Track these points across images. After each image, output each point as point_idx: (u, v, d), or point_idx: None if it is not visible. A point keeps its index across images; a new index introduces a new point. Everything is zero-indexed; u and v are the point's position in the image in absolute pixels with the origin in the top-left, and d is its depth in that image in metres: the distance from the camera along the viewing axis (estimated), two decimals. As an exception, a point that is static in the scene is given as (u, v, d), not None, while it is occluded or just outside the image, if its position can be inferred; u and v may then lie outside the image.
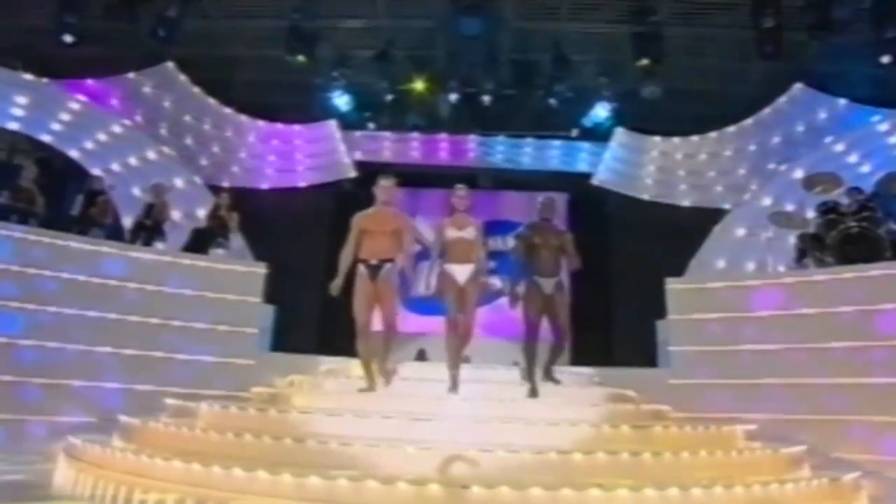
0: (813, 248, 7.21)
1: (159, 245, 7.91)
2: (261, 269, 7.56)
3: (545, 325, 5.34)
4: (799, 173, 9.13)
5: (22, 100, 8.79)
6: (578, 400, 5.26)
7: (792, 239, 8.01)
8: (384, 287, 4.76)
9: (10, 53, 9.73)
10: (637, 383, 5.95)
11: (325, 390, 5.29)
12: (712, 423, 4.98)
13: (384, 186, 5.01)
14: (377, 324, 4.88)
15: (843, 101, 10.06)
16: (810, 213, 7.97)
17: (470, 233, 5.14)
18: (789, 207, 9.05)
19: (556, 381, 5.32)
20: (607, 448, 3.73)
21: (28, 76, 8.63)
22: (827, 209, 7.22)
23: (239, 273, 7.46)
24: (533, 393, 5.12)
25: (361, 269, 4.79)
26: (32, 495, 4.06)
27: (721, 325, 6.93)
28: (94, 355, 6.56)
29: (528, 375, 5.24)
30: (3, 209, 7.35)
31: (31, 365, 6.23)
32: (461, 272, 5.05)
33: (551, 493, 3.10)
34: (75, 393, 6.39)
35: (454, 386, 4.89)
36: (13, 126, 9.20)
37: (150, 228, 7.91)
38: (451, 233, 5.13)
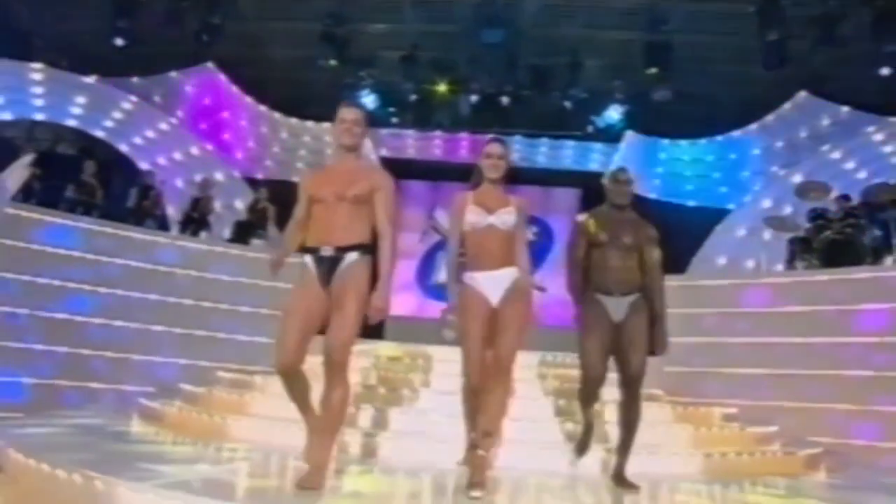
0: (802, 251, 7.85)
1: (204, 235, 8.74)
2: (295, 259, 8.33)
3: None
4: (798, 178, 9.71)
5: (81, 100, 9.63)
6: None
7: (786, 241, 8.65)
8: (344, 292, 3.01)
9: (56, 51, 10.62)
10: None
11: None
12: (699, 406, 5.75)
13: (346, 119, 3.20)
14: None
15: (845, 109, 10.58)
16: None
17: (508, 218, 3.32)
18: (787, 210, 9.67)
19: (633, 487, 3.63)
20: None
21: (89, 79, 9.42)
22: (816, 215, 7.84)
23: (277, 262, 8.26)
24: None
25: (307, 262, 3.12)
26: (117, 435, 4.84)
27: (715, 319, 7.61)
28: (152, 333, 7.41)
29: (581, 447, 3.87)
30: (69, 202, 8.21)
31: (100, 340, 7.10)
32: (493, 285, 3.29)
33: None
34: (136, 365, 7.25)
35: (476, 485, 3.12)
36: (71, 123, 10.06)
37: (197, 220, 8.73)
38: (477, 217, 3.31)
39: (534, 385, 5.66)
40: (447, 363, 4.98)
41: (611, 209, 3.80)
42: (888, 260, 7.17)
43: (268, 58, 11.81)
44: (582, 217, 3.85)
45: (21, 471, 3.03)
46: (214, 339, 7.65)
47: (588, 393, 3.71)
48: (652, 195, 11.50)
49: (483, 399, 3.20)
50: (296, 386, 3.05)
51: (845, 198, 8.31)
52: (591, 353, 3.60)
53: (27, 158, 6.80)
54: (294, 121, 12.02)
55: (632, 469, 3.71)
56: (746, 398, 6.72)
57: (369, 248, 3.14)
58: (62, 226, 7.17)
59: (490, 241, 3.31)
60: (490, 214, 3.31)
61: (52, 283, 6.93)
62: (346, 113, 3.22)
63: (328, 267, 3.07)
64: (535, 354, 6.47)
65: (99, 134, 10.36)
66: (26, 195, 7.38)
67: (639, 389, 3.65)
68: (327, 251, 3.08)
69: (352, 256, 3.08)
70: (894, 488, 4.64)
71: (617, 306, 3.63)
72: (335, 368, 2.97)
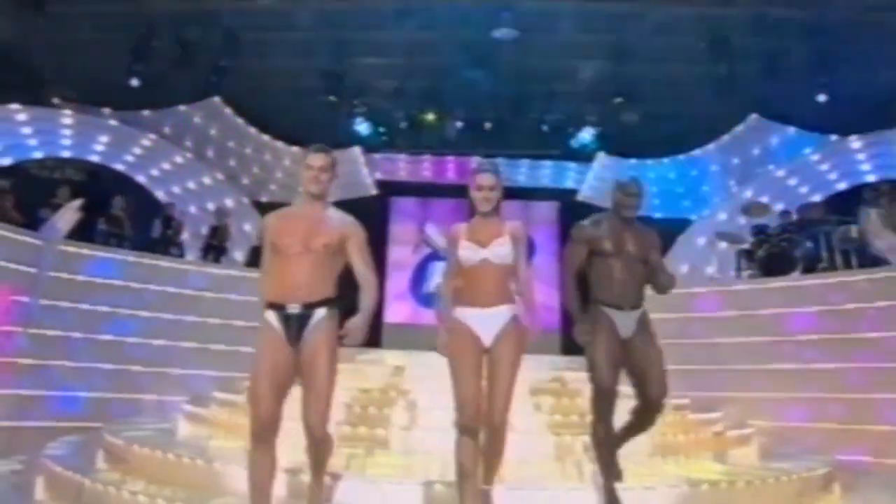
0: (747, 262, 9.09)
1: (224, 260, 9.82)
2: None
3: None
4: (749, 193, 10.97)
5: (104, 139, 10.63)
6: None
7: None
8: (315, 357, 2.88)
9: (68, 86, 11.60)
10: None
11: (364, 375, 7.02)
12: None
13: (313, 167, 3.10)
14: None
15: (792, 129, 11.85)
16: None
17: (501, 251, 3.21)
18: (741, 221, 10.91)
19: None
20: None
21: (113, 122, 10.44)
22: (757, 231, 9.08)
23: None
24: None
25: (271, 319, 2.94)
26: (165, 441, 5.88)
27: (672, 324, 8.78)
28: (185, 349, 8.48)
29: (605, 479, 3.55)
30: (102, 234, 9.26)
31: (141, 358, 8.16)
32: (486, 323, 3.18)
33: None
34: (173, 378, 8.32)
35: None
36: (95, 158, 11.08)
37: (216, 247, 9.81)
38: (469, 252, 3.21)
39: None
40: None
41: (615, 220, 3.62)
42: (819, 269, 8.43)
43: (270, 92, 12.87)
44: (582, 223, 3.68)
45: (145, 461, 4.09)
46: (239, 353, 8.72)
47: (603, 409, 3.46)
48: (622, 209, 12.72)
49: (482, 451, 3.04)
50: (263, 461, 2.82)
51: (787, 213, 9.58)
52: (601, 364, 3.42)
53: (76, 203, 7.80)
54: (295, 149, 13.09)
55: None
56: (699, 390, 7.86)
57: (336, 302, 2.97)
58: (104, 259, 8.24)
59: (484, 277, 3.18)
60: (483, 248, 3.19)
61: (99, 309, 7.99)
62: (314, 159, 3.11)
63: (296, 325, 2.87)
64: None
65: (119, 167, 11.37)
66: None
67: (659, 412, 3.54)
68: (294, 308, 2.87)
69: (320, 313, 2.89)
70: (798, 455, 5.79)
71: (625, 321, 3.47)
72: (317, 438, 2.92)
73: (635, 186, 3.71)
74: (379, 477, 3.97)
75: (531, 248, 13.92)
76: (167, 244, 9.65)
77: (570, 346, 11.25)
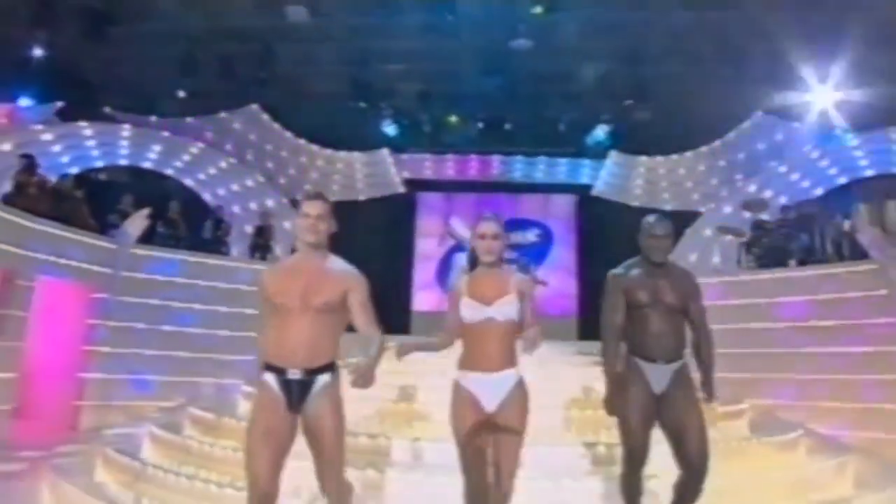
0: (747, 254, 9.84)
1: (269, 258, 10.87)
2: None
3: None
4: (753, 187, 11.65)
5: (157, 147, 11.74)
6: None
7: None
8: (322, 428, 2.77)
9: (117, 95, 12.68)
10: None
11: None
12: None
13: (310, 215, 2.86)
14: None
15: (796, 125, 12.45)
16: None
17: (507, 310, 3.01)
18: (746, 215, 11.59)
19: None
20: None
21: (164, 133, 11.53)
22: (757, 225, 9.81)
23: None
24: None
25: (269, 383, 2.78)
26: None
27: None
28: (238, 338, 9.56)
29: None
30: (161, 236, 10.35)
31: (200, 346, 9.28)
32: (490, 390, 2.99)
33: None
34: (228, 363, 9.42)
35: None
36: (147, 165, 12.20)
37: (262, 246, 10.86)
38: (472, 311, 3.03)
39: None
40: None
41: (647, 265, 3.39)
42: (812, 261, 9.15)
43: (303, 99, 13.86)
44: (615, 272, 3.45)
45: (234, 431, 5.06)
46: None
47: (634, 465, 3.29)
48: (634, 203, 13.47)
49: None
50: None
51: (788, 207, 10.27)
52: (631, 422, 3.23)
53: (144, 211, 8.89)
54: (328, 151, 14.10)
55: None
56: (694, 372, 8.73)
57: (337, 366, 2.82)
58: (166, 259, 9.36)
59: (488, 338, 2.97)
60: (488, 306, 2.98)
61: (163, 304, 9.12)
62: (310, 207, 2.82)
63: (298, 392, 2.71)
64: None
65: (169, 172, 12.49)
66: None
67: (701, 480, 3.19)
68: (295, 374, 2.70)
69: (323, 379, 2.73)
70: (782, 427, 6.59)
71: (659, 375, 3.25)
72: (339, 500, 2.86)
73: (661, 227, 3.42)
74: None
75: (549, 240, 14.94)
76: (218, 244, 10.71)
77: (586, 331, 12.15)
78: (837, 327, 8.16)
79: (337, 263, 2.92)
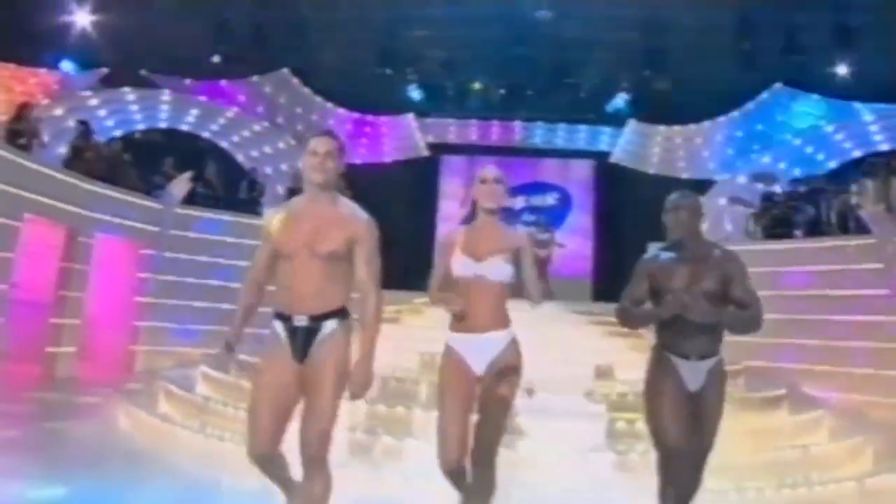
0: (755, 224, 10.28)
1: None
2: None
3: None
4: (768, 158, 12.00)
5: (194, 111, 12.35)
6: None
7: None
8: (322, 372, 2.60)
9: (154, 58, 13.20)
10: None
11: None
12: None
13: (318, 152, 2.69)
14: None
15: (815, 97, 12.65)
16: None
17: (500, 270, 2.83)
18: (759, 187, 11.97)
19: None
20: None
21: (202, 98, 12.13)
22: (767, 196, 10.22)
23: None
24: None
25: (278, 330, 2.72)
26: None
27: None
28: (272, 292, 10.32)
29: None
30: (201, 196, 11.05)
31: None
32: (479, 351, 2.82)
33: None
34: (265, 315, 10.20)
35: None
36: (185, 128, 12.84)
37: (295, 207, 11.50)
38: (462, 267, 2.85)
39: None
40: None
41: (682, 249, 3.04)
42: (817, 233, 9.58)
43: (332, 64, 14.29)
44: (646, 256, 3.17)
45: None
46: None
47: (672, 473, 2.99)
48: (651, 171, 13.86)
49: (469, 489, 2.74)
50: (273, 470, 2.68)
51: (798, 181, 10.66)
52: (665, 421, 2.95)
53: (187, 174, 9.57)
54: (356, 115, 14.61)
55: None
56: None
57: (348, 312, 2.70)
58: (210, 219, 10.08)
59: (478, 297, 2.78)
60: (478, 262, 2.79)
61: (208, 260, 9.87)
62: (318, 144, 2.70)
63: (303, 339, 2.62)
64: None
65: (205, 134, 13.12)
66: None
67: (704, 462, 3.03)
68: (301, 321, 2.62)
69: (330, 326, 2.62)
70: (769, 386, 7.21)
71: (694, 373, 2.98)
72: (314, 462, 2.57)
73: (678, 200, 3.09)
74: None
75: (567, 204, 15.40)
76: (253, 204, 11.39)
77: (600, 293, 12.73)
78: (835, 297, 8.66)
79: (346, 207, 2.74)
